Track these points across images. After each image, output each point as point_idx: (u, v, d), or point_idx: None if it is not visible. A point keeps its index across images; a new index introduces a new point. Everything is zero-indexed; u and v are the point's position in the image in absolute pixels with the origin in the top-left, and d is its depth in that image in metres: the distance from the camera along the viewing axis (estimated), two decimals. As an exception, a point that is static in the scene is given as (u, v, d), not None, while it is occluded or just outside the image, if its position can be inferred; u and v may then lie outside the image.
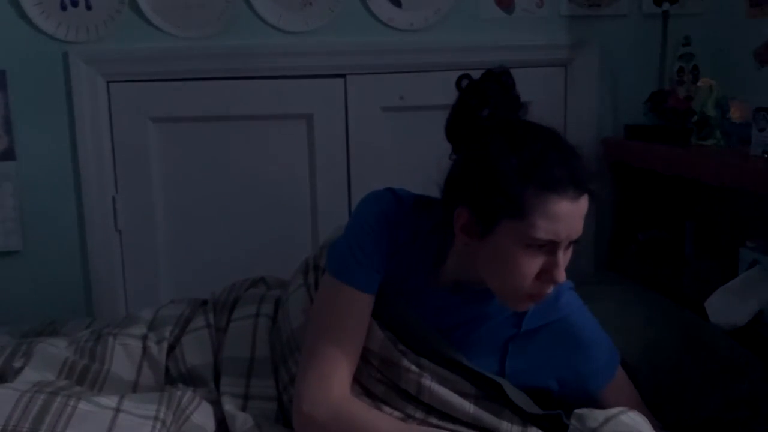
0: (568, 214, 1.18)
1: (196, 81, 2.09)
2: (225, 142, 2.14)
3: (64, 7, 2.01)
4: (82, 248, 2.12)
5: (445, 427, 1.30)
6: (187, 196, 2.15)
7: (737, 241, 1.75)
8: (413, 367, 1.32)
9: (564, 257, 1.22)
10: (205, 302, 1.65)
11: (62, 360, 1.43)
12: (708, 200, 2.07)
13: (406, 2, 2.13)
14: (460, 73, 1.32)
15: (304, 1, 2.09)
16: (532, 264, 1.21)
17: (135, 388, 1.44)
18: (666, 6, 2.10)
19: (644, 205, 2.18)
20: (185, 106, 2.11)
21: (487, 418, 1.30)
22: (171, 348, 1.50)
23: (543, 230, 1.18)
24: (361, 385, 1.35)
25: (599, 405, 1.32)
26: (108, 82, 2.07)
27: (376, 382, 1.35)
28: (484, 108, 1.28)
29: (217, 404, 1.38)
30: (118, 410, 1.25)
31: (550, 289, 1.25)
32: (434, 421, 1.31)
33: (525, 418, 1.31)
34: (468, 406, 1.31)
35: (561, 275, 1.22)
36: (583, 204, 1.21)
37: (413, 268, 1.36)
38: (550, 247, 1.20)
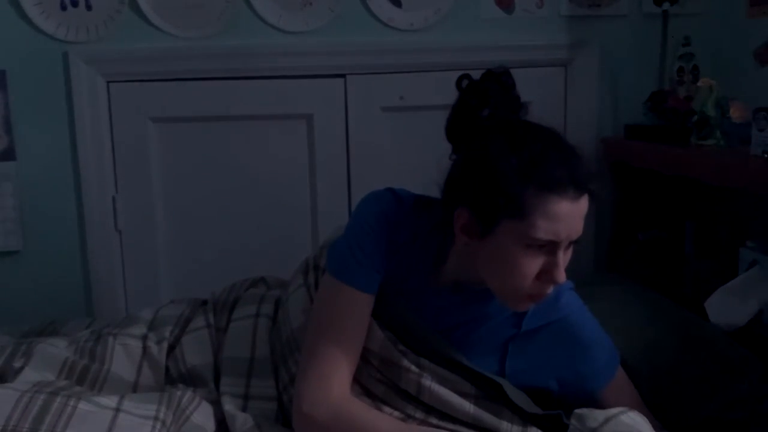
0: (568, 215, 1.18)
1: (196, 81, 2.09)
2: (225, 142, 2.14)
3: (64, 7, 2.01)
4: (82, 248, 2.12)
5: (445, 427, 1.30)
6: (187, 196, 2.15)
7: (737, 241, 1.75)
8: (413, 367, 1.32)
9: (564, 257, 1.22)
10: (205, 302, 1.65)
11: (62, 360, 1.43)
12: (708, 200, 2.07)
13: (406, 2, 2.13)
14: (460, 73, 1.32)
15: (304, 1, 2.09)
16: (532, 264, 1.21)
17: (135, 388, 1.44)
18: (666, 6, 2.10)
19: (644, 205, 2.18)
20: (185, 106, 2.11)
21: (487, 418, 1.30)
22: (171, 348, 1.50)
23: (543, 230, 1.18)
24: (361, 385, 1.35)
25: (599, 405, 1.33)
26: (108, 82, 2.07)
27: (376, 382, 1.35)
28: (484, 108, 1.28)
29: (217, 404, 1.37)
30: (118, 410, 1.25)
31: (550, 290, 1.25)
32: (434, 421, 1.31)
33: (525, 418, 1.31)
34: (468, 406, 1.31)
35: (561, 275, 1.22)
36: (583, 204, 1.21)
37: (413, 268, 1.36)
38: (550, 248, 1.20)
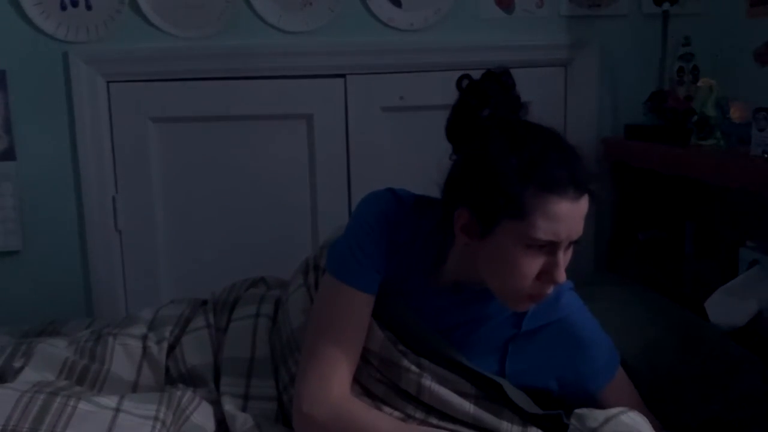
0: (568, 215, 1.18)
1: (196, 81, 2.09)
2: (225, 142, 2.14)
3: (64, 7, 2.01)
4: (82, 248, 2.12)
5: (445, 427, 1.30)
6: (187, 196, 2.15)
7: (737, 241, 1.75)
8: (413, 368, 1.32)
9: (564, 257, 1.23)
10: (205, 302, 1.65)
11: (62, 360, 1.43)
12: (708, 200, 2.07)
13: (406, 2, 2.13)
14: (460, 73, 1.32)
15: (304, 1, 2.09)
16: (533, 264, 1.21)
17: (135, 388, 1.44)
18: (666, 6, 2.10)
19: (644, 205, 2.18)
20: (185, 106, 2.11)
21: (487, 418, 1.30)
22: (171, 348, 1.50)
23: (543, 230, 1.18)
24: (361, 385, 1.35)
25: (599, 405, 1.33)
26: (108, 82, 2.07)
27: (376, 382, 1.35)
28: (485, 108, 1.28)
29: (217, 404, 1.37)
30: (118, 410, 1.25)
31: (551, 290, 1.25)
32: (434, 421, 1.31)
33: (525, 418, 1.31)
34: (468, 406, 1.31)
35: (561, 275, 1.22)
36: (583, 204, 1.21)
37: (413, 268, 1.36)
38: (551, 248, 1.20)
